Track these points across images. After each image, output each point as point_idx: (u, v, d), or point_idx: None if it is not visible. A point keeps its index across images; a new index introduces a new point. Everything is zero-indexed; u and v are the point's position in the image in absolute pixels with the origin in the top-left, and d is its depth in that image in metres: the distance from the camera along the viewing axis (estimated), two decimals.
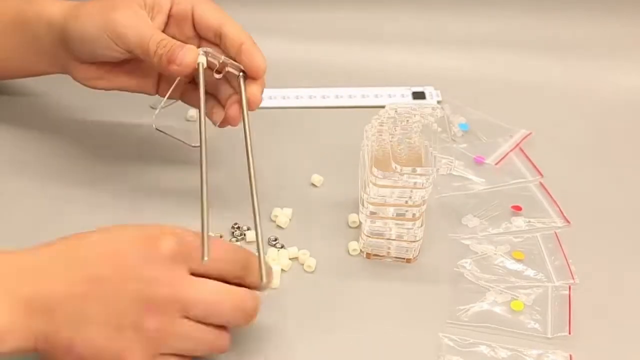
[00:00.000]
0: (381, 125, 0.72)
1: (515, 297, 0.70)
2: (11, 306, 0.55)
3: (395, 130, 0.71)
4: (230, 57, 0.71)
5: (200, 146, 0.64)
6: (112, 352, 0.56)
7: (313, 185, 0.79)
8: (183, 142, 0.73)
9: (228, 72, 0.71)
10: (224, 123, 0.73)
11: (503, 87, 0.92)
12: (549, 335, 0.67)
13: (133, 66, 0.73)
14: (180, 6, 0.71)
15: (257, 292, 0.61)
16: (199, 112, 0.66)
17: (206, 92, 0.69)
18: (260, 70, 0.70)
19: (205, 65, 0.69)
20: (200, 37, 0.73)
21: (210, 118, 0.73)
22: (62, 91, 0.86)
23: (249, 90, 0.70)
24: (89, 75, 0.74)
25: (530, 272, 0.72)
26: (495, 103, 0.89)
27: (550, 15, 0.96)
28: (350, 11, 0.97)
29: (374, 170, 0.68)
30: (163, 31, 0.71)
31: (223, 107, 0.73)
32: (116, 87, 0.75)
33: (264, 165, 0.80)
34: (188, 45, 0.69)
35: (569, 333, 0.67)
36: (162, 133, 0.72)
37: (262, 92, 0.71)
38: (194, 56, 0.68)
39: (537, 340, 0.67)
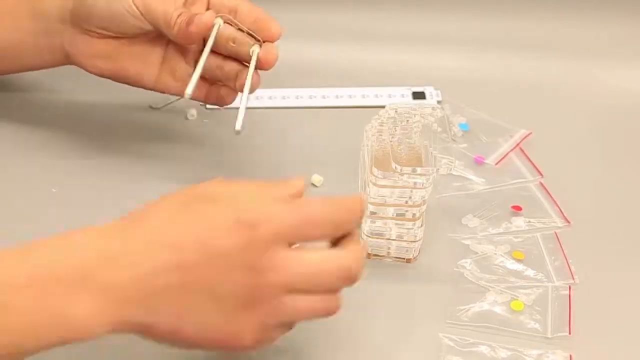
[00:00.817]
0: (381, 126, 0.72)
1: (515, 297, 0.70)
2: (94, 294, 0.53)
3: (395, 130, 0.71)
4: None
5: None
6: (224, 336, 0.56)
7: (313, 185, 0.79)
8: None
9: (241, 42, 0.73)
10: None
11: (503, 87, 0.92)
12: (549, 335, 0.67)
13: (139, 49, 0.74)
14: None
15: (360, 249, 0.59)
16: (200, 60, 0.70)
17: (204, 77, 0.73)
18: (276, 34, 0.73)
19: (221, 24, 0.72)
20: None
21: (217, 99, 0.76)
22: (63, 87, 0.86)
23: (266, 49, 0.73)
24: (94, 51, 0.74)
25: (530, 272, 0.72)
26: (495, 103, 0.89)
27: (550, 15, 0.96)
28: (351, 11, 0.97)
29: (374, 170, 0.68)
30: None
31: (228, 87, 0.75)
32: (117, 70, 0.75)
33: (264, 165, 0.80)
34: (206, 12, 0.72)
35: (569, 333, 0.67)
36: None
37: (277, 51, 0.73)
38: (211, 18, 0.71)
39: (537, 340, 0.67)
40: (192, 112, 0.86)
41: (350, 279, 0.58)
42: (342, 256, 0.58)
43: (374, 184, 0.69)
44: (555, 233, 0.76)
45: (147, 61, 0.75)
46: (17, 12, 0.76)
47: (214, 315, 0.55)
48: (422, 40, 0.96)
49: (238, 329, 0.56)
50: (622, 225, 0.77)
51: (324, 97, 0.90)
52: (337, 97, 0.90)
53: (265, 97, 0.89)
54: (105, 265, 0.53)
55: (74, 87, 0.87)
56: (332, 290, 0.58)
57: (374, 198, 0.69)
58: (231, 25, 0.73)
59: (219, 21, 0.72)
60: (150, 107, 0.86)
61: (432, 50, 0.95)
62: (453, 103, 0.89)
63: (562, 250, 0.74)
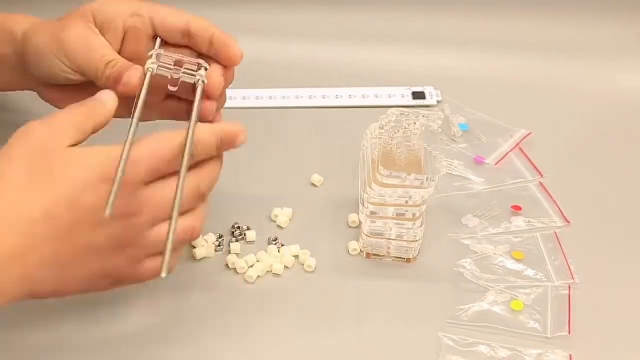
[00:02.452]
0: (381, 129, 0.72)
1: (515, 297, 0.70)
2: None
3: (396, 134, 0.71)
4: (203, 54, 0.66)
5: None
6: (101, 280, 0.59)
7: (313, 185, 0.79)
8: None
9: (185, 77, 0.64)
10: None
11: (503, 87, 0.92)
12: (549, 335, 0.67)
13: (97, 90, 0.64)
14: (135, 19, 0.66)
15: (213, 167, 0.61)
16: (132, 119, 0.60)
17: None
18: (237, 57, 0.66)
19: (154, 71, 0.63)
20: (168, 44, 0.67)
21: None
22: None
23: (211, 73, 0.65)
24: (53, 97, 0.69)
25: (530, 272, 0.72)
26: (495, 103, 0.89)
27: (550, 15, 0.96)
28: (351, 11, 0.97)
29: (381, 169, 0.68)
30: (120, 48, 0.66)
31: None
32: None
33: (264, 165, 0.80)
34: (136, 66, 0.63)
35: (569, 333, 0.67)
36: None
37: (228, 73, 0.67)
38: (140, 76, 0.63)
39: (537, 340, 0.67)
40: None
41: (200, 197, 0.60)
42: (195, 176, 0.59)
43: (381, 183, 0.68)
44: (555, 233, 0.76)
45: None
46: None
47: (91, 265, 0.57)
48: (422, 40, 0.96)
49: (113, 270, 0.58)
50: (622, 225, 0.77)
51: (324, 97, 0.90)
52: (337, 97, 0.90)
53: (265, 97, 0.89)
54: None
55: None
56: (190, 210, 0.60)
57: (374, 198, 0.69)
58: (168, 58, 0.64)
59: (153, 67, 0.63)
60: None
61: (432, 50, 0.95)
62: (453, 103, 0.89)
63: (562, 250, 0.74)
